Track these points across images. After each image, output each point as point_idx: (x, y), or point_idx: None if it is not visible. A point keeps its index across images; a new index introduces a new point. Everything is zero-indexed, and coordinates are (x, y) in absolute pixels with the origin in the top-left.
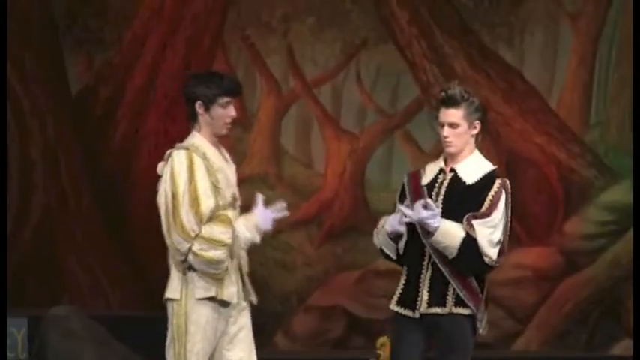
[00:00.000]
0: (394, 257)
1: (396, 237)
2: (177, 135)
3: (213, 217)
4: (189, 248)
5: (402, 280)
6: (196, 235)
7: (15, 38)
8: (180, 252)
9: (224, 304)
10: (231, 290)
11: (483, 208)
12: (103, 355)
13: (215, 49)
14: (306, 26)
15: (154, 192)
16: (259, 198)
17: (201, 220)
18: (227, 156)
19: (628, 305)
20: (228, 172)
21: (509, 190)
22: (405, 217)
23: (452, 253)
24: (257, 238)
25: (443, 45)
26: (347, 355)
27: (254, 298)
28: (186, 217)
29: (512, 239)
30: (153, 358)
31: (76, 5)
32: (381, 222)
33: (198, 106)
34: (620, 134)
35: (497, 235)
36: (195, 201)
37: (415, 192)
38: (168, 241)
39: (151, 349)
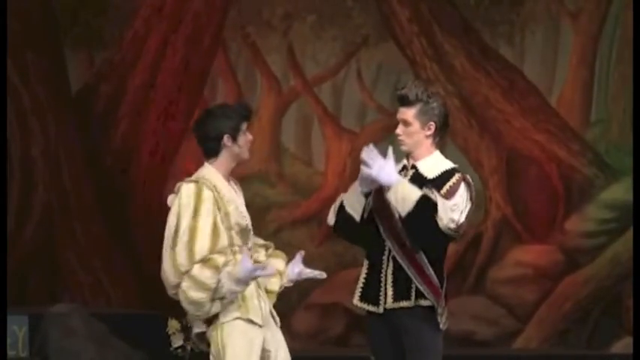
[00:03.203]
0: (358, 218)
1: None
2: (177, 133)
3: (206, 259)
4: (179, 284)
5: (363, 275)
6: (186, 272)
7: (16, 36)
8: (171, 285)
9: (254, 324)
10: (256, 311)
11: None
12: (104, 353)
13: (215, 47)
14: (306, 24)
15: (155, 190)
16: (245, 251)
17: (192, 259)
18: (236, 187)
19: (628, 303)
20: (239, 202)
21: (470, 183)
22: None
23: (408, 206)
24: (241, 289)
25: (443, 43)
26: (348, 353)
27: (277, 321)
28: (181, 252)
29: (512, 237)
30: (154, 356)
31: (76, 4)
32: (339, 199)
33: (227, 140)
34: (621, 132)
35: (455, 215)
36: (192, 239)
37: (377, 188)
38: (162, 273)
39: (152, 347)
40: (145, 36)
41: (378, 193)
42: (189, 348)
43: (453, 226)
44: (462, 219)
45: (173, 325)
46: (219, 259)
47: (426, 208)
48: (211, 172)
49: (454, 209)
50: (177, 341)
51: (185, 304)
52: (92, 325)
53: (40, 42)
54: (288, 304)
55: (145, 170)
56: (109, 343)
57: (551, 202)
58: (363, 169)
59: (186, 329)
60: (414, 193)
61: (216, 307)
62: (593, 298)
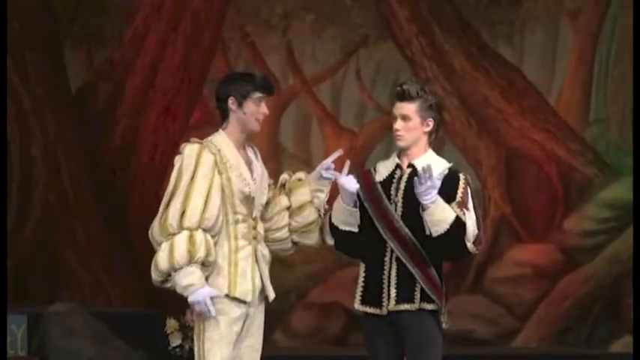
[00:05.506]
0: (357, 229)
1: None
2: (177, 132)
3: (194, 237)
4: (162, 243)
5: (362, 278)
6: (173, 234)
7: (15, 35)
8: (156, 242)
9: (240, 302)
10: (246, 288)
11: (455, 205)
12: (103, 352)
13: (214, 46)
14: (305, 23)
15: (154, 189)
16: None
17: (182, 223)
18: (255, 156)
19: (628, 302)
20: (243, 169)
21: (471, 185)
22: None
23: (442, 228)
24: (184, 293)
25: (442, 42)
26: (346, 353)
27: (271, 295)
28: (172, 213)
29: (511, 236)
30: (152, 354)
31: (76, 3)
32: (327, 220)
33: (231, 102)
34: (621, 131)
35: (479, 232)
36: (186, 201)
37: (370, 191)
38: (150, 229)
39: (151, 346)
40: (145, 35)
41: (374, 198)
42: (187, 347)
43: (477, 248)
44: (479, 229)
45: (171, 324)
46: (200, 252)
47: (457, 231)
48: (221, 137)
49: (475, 223)
50: (175, 340)
51: (153, 263)
52: (91, 324)
53: (40, 41)
54: (287, 304)
55: (144, 169)
56: (108, 342)
57: (551, 201)
58: (418, 183)
59: (184, 328)
60: (450, 216)
61: (172, 283)
62: (592, 297)
